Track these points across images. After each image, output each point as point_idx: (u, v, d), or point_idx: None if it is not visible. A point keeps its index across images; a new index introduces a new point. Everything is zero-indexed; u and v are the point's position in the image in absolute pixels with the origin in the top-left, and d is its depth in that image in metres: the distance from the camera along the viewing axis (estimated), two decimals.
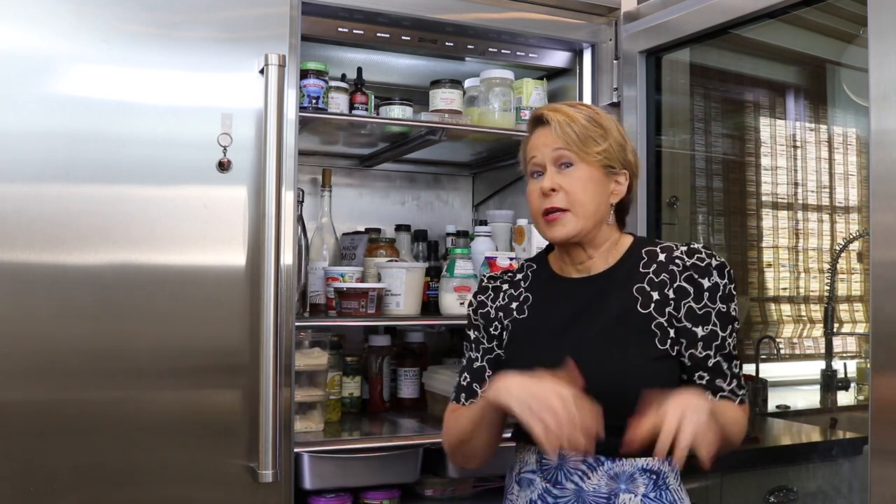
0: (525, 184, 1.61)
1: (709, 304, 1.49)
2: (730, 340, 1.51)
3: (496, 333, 1.63)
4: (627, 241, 1.59)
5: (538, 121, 1.56)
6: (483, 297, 1.67)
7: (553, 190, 1.50)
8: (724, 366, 1.50)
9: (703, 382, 1.50)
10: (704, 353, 1.49)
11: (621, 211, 1.60)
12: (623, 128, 1.59)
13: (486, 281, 1.70)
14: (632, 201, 1.61)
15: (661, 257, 1.53)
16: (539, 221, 1.54)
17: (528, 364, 1.54)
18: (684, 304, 1.49)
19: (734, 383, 1.51)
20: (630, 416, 1.39)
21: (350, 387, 2.38)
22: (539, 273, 1.65)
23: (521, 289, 1.63)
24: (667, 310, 1.49)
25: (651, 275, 1.52)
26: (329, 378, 2.22)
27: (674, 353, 1.49)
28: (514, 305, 1.62)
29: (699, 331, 1.48)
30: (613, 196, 1.55)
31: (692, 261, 1.50)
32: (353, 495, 2.09)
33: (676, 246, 1.54)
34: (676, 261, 1.51)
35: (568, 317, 1.55)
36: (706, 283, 1.49)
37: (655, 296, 1.50)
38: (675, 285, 1.49)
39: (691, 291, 1.49)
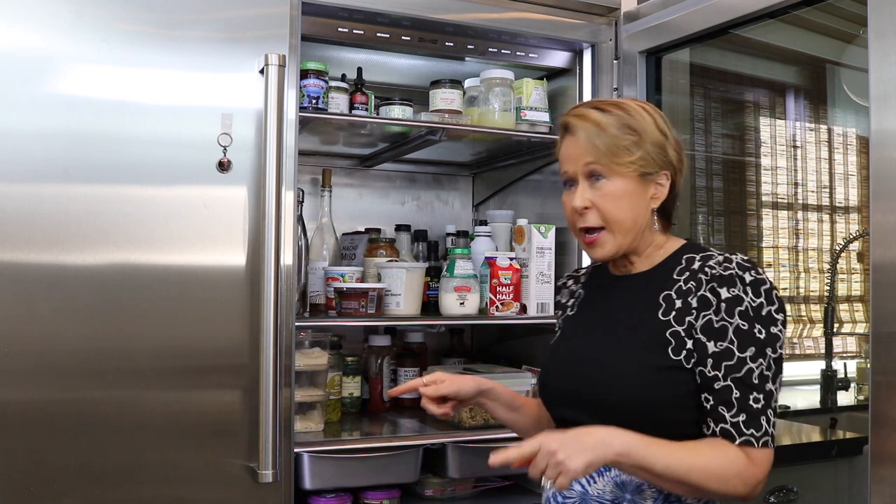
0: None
1: (726, 317, 1.33)
2: (752, 366, 1.31)
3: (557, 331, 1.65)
4: (675, 244, 1.49)
5: (565, 128, 1.46)
6: (558, 297, 1.69)
7: (586, 208, 1.42)
8: (736, 394, 1.31)
9: (707, 406, 1.34)
10: (713, 373, 1.33)
11: (665, 210, 1.48)
12: (664, 119, 1.44)
13: (560, 280, 1.72)
14: (677, 199, 1.49)
15: (696, 265, 1.40)
16: (577, 236, 1.47)
17: (550, 363, 1.56)
18: (704, 316, 1.36)
19: (743, 417, 1.30)
20: (631, 425, 1.34)
21: (350, 387, 2.38)
22: (599, 269, 1.60)
23: (580, 285, 1.63)
24: (687, 319, 1.37)
25: (681, 282, 1.41)
26: (329, 378, 2.22)
27: (689, 366, 1.36)
28: (570, 302, 1.62)
29: (711, 346, 1.34)
30: (654, 200, 1.43)
31: (719, 270, 1.36)
32: (353, 495, 2.09)
33: (716, 255, 1.41)
34: (707, 270, 1.38)
35: (597, 317, 1.53)
36: (724, 293, 1.34)
37: (679, 304, 1.38)
38: (698, 294, 1.37)
39: (713, 303, 1.35)
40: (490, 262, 2.30)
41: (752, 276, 1.35)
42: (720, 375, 1.33)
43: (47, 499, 1.66)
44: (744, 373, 1.32)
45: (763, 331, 1.32)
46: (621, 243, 1.42)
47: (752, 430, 1.31)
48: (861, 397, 2.80)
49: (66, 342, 1.68)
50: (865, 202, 2.77)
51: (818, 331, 3.02)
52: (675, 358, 1.36)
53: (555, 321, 1.67)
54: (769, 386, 1.33)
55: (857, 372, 2.87)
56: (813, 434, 2.78)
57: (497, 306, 2.27)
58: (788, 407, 2.85)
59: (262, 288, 1.77)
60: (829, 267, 2.94)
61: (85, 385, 1.70)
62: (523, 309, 2.32)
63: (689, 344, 1.36)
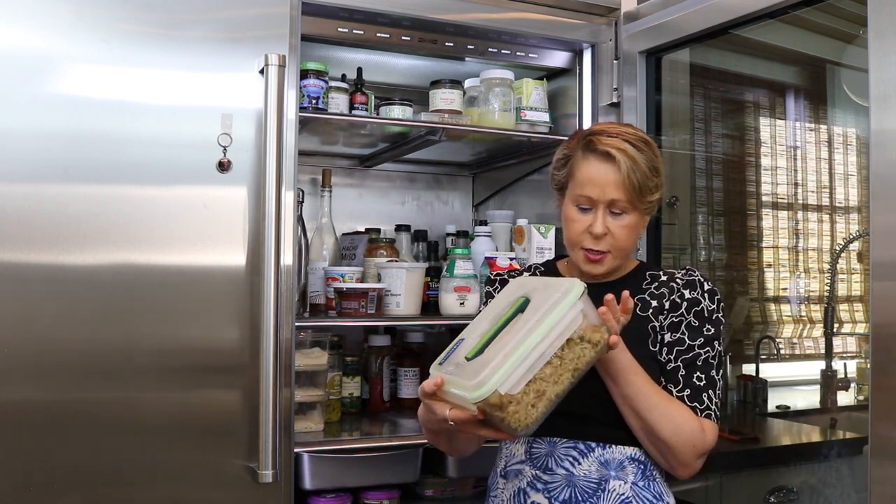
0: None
1: (685, 314, 1.54)
2: (699, 352, 1.52)
3: None
4: (634, 261, 1.65)
5: (601, 152, 1.50)
6: (490, 289, 1.71)
7: (604, 234, 1.52)
8: (682, 372, 1.51)
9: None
10: (667, 358, 1.53)
11: None
12: None
13: (493, 275, 1.76)
14: None
15: (663, 278, 1.59)
16: (576, 252, 1.56)
17: None
18: (670, 316, 1.55)
19: (687, 392, 1.49)
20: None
21: (350, 387, 2.38)
22: (547, 274, 1.69)
23: None
24: (659, 317, 1.55)
25: (651, 289, 1.58)
26: (329, 378, 2.22)
27: (660, 358, 1.54)
28: None
29: (668, 337, 1.53)
30: (641, 229, 1.59)
31: (686, 279, 1.57)
32: (353, 495, 2.09)
33: (678, 271, 1.61)
34: (677, 279, 1.58)
35: None
36: (687, 294, 1.55)
37: (654, 304, 1.56)
38: (671, 298, 1.55)
39: (681, 306, 1.55)
40: (490, 262, 2.30)
41: (708, 285, 1.56)
42: (672, 359, 1.52)
43: (47, 499, 1.66)
44: (691, 356, 1.52)
45: (711, 329, 1.53)
46: (618, 264, 1.57)
47: (695, 404, 1.49)
48: (861, 397, 2.80)
49: (66, 342, 1.68)
50: (865, 202, 2.77)
51: (818, 331, 3.02)
52: (652, 349, 1.54)
53: None
54: (712, 372, 1.52)
55: (857, 372, 2.87)
56: (813, 434, 2.78)
57: None
58: (788, 407, 2.85)
59: (262, 288, 1.77)
60: (829, 267, 2.94)
61: (85, 385, 1.70)
62: None
63: (659, 339, 1.54)
